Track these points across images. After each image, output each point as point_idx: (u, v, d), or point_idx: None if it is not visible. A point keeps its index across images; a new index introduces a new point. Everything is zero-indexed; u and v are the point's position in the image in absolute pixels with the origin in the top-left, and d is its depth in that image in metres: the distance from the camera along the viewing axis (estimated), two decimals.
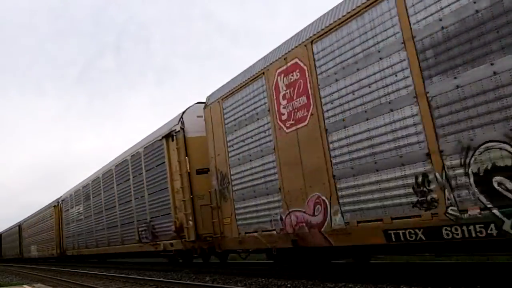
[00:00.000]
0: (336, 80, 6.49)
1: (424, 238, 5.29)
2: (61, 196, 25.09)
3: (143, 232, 13.59)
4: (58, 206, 25.05)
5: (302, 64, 7.20)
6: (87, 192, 19.71)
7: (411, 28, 5.38)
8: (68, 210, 23.06)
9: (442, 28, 5.02)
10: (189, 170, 11.00)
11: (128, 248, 15.23)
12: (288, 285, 7.09)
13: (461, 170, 4.84)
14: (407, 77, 5.43)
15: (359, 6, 6.17)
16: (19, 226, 37.69)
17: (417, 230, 5.34)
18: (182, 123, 11.32)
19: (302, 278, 7.48)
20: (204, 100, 10.74)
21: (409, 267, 7.83)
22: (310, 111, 7.08)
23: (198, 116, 11.09)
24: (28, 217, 34.62)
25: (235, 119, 9.01)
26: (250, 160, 8.51)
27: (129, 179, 14.67)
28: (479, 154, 4.66)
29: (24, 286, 10.62)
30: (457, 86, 4.89)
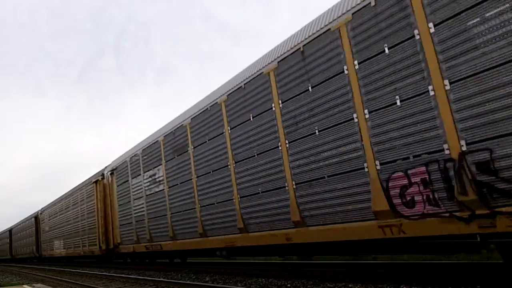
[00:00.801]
0: None
1: None
2: (107, 166, 16.99)
3: (429, 188, 5.35)
4: (102, 181, 16.81)
5: None
6: (179, 141, 11.06)
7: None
8: (126, 182, 14.55)
9: None
10: None
11: (336, 233, 6.58)
12: (288, 285, 7.10)
13: None
14: None
15: None
16: (36, 217, 29.74)
17: None
18: None
19: (302, 278, 7.50)
20: None
21: (409, 267, 7.83)
22: None
23: None
24: (50, 204, 26.21)
25: None
26: None
27: (340, 73, 6.55)
28: None
29: (24, 286, 10.62)
30: None
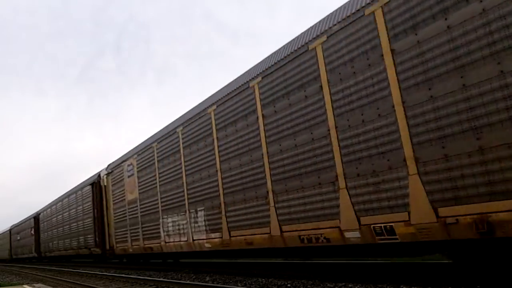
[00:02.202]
0: None
1: None
2: None
3: None
4: None
5: None
6: None
7: None
8: None
9: None
10: None
11: None
12: (288, 285, 7.10)
13: None
14: None
15: None
16: (95, 184, 16.96)
17: None
18: None
19: (302, 278, 7.51)
20: None
21: (409, 267, 7.83)
22: None
23: None
24: (140, 147, 13.62)
25: None
26: None
27: None
28: None
29: (24, 286, 10.61)
30: None
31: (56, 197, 24.82)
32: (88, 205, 17.72)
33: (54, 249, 24.14)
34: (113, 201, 15.75)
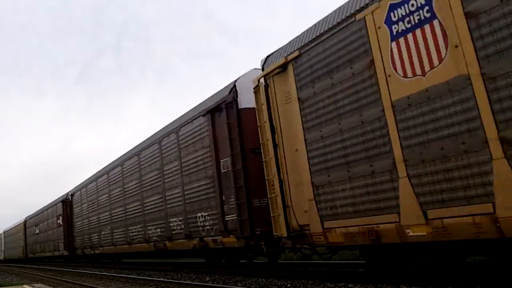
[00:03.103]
0: None
1: None
2: None
3: None
4: None
5: None
6: None
7: None
8: None
9: None
10: None
11: None
12: (288, 285, 7.10)
13: None
14: None
15: None
16: (231, 102, 8.33)
17: None
18: None
19: (302, 278, 7.51)
20: None
21: (409, 267, 7.83)
22: None
23: None
24: None
25: None
26: None
27: None
28: None
29: (24, 286, 10.61)
30: None
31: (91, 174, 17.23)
32: (204, 153, 9.32)
33: (103, 243, 15.88)
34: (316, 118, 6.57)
